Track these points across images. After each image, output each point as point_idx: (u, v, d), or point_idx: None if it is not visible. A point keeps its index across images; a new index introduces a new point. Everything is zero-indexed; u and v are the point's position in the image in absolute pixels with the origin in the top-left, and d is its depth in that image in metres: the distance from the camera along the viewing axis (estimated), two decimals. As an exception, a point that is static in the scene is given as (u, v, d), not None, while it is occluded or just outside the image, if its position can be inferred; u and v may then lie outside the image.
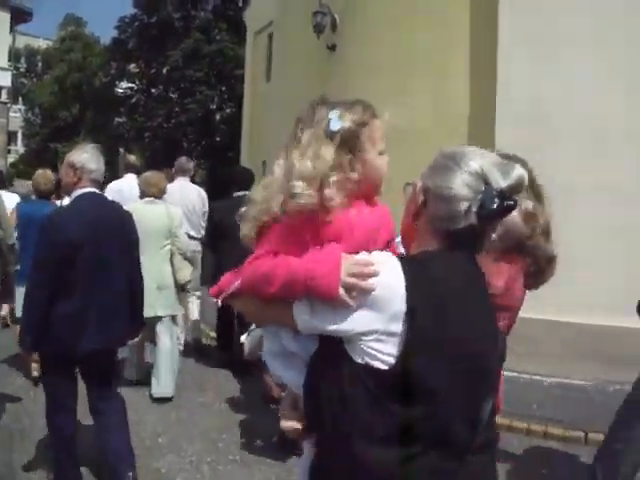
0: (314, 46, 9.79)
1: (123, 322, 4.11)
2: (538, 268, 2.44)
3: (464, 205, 1.59)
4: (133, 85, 35.27)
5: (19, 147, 49.22)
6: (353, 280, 1.54)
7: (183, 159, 8.70)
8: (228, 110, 29.77)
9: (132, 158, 9.27)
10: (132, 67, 34.89)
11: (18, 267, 5.83)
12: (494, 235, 1.95)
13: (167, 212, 6.35)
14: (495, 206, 1.56)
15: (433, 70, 7.56)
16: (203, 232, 8.04)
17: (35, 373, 6.14)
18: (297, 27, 10.98)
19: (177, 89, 32.69)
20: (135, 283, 4.23)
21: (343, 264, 1.57)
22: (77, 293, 3.80)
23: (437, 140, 6.77)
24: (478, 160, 1.62)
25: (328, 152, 1.74)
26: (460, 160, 1.63)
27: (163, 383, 6.24)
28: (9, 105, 29.54)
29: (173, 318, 6.50)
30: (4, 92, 29.02)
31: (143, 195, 6.42)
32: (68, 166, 4.02)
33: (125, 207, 4.66)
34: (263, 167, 19.97)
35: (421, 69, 7.67)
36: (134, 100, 35.05)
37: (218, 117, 30.63)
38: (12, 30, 28.71)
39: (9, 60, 29.16)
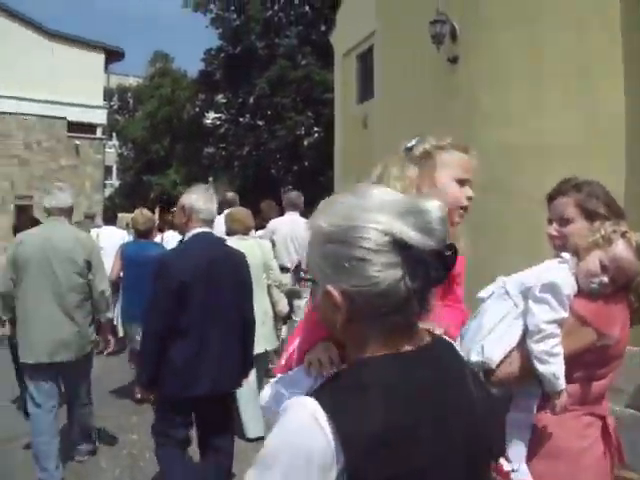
0: (430, 59, 9.03)
1: (237, 364, 4.07)
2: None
3: (394, 290, 1.23)
4: (221, 115, 35.47)
5: (114, 181, 50.59)
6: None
7: (294, 194, 8.29)
8: (316, 135, 29.30)
9: (230, 195, 8.77)
10: (219, 98, 35.19)
11: (111, 315, 5.59)
12: (605, 278, 2.06)
13: (259, 246, 6.28)
14: (440, 272, 1.24)
15: (576, 79, 6.64)
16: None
17: (138, 395, 6.05)
18: (407, 40, 10.24)
19: (265, 117, 32.66)
20: (248, 324, 4.19)
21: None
22: (192, 335, 3.81)
23: (588, 157, 5.93)
24: (382, 225, 1.23)
25: (410, 170, 1.91)
26: (358, 239, 1.24)
27: (254, 423, 6.01)
28: (104, 141, 30.02)
29: (268, 352, 6.37)
30: (99, 129, 29.56)
31: (230, 232, 6.22)
32: (179, 207, 4.12)
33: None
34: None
35: (561, 78, 6.74)
36: (222, 130, 35.31)
37: (306, 142, 30.26)
38: (106, 70, 29.21)
39: (104, 99, 29.68)
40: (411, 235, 1.21)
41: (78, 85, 26.47)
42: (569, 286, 2.31)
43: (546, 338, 2.25)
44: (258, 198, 11.65)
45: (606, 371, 2.37)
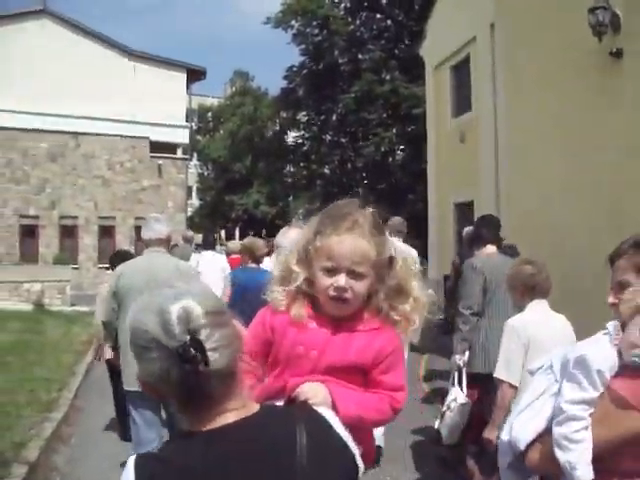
0: (581, 55, 7.89)
1: None
2: None
3: (167, 379, 1.37)
4: (303, 133, 34.91)
5: (194, 201, 50.78)
6: None
7: (398, 220, 7.86)
8: (404, 152, 28.25)
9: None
10: (302, 115, 34.66)
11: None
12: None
13: None
14: (184, 368, 1.34)
15: None
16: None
17: None
18: (543, 36, 9.12)
19: (349, 134, 31.89)
20: None
21: None
22: None
23: None
24: (146, 325, 1.40)
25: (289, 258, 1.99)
26: (135, 337, 1.45)
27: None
28: (187, 161, 29.88)
29: None
30: (180, 149, 29.47)
31: None
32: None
33: None
34: (455, 209, 18.38)
35: None
36: (305, 148, 34.69)
37: (395, 159, 29.25)
38: (188, 89, 29.11)
39: (186, 119, 29.58)
40: (158, 333, 1.36)
41: (160, 105, 26.44)
42: (605, 361, 2.06)
43: (568, 420, 2.07)
44: None
45: None
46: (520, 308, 3.98)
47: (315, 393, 1.77)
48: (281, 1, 31.61)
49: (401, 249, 6.05)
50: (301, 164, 35.94)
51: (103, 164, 26.25)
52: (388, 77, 28.69)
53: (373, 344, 1.93)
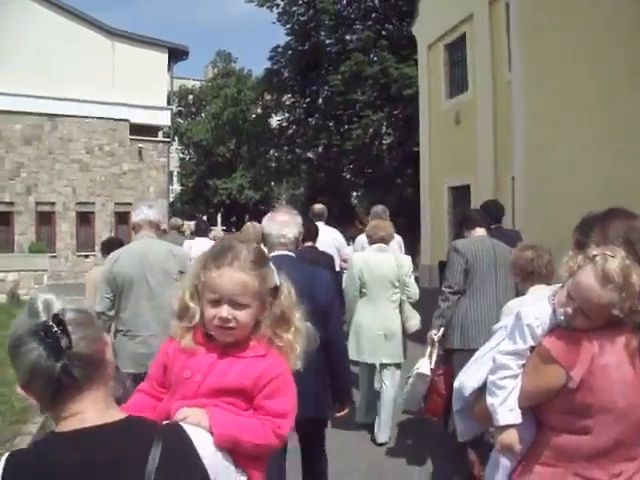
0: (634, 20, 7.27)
1: (313, 390, 3.72)
2: None
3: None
4: (289, 116, 34.18)
5: (175, 186, 49.83)
6: None
7: (379, 207, 8.52)
8: (394, 135, 27.57)
9: (318, 207, 8.59)
10: (287, 97, 33.94)
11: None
12: (569, 309, 2.11)
13: (396, 260, 6.33)
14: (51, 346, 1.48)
15: None
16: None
17: None
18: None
19: (336, 117, 31.22)
20: (329, 347, 3.82)
21: None
22: None
23: None
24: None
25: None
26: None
27: (382, 430, 6.26)
28: (169, 144, 29.02)
29: (397, 366, 6.38)
30: (162, 132, 28.62)
31: (371, 242, 6.50)
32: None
33: (354, 255, 6.68)
34: (450, 193, 17.86)
35: None
36: (290, 131, 33.95)
37: (382, 142, 28.58)
38: (169, 70, 28.20)
39: (168, 102, 28.71)
40: (25, 322, 1.51)
41: (141, 86, 25.54)
42: (537, 318, 2.23)
43: (497, 369, 2.27)
44: (328, 203, 11.24)
45: (591, 425, 2.13)
46: (522, 293, 4.02)
47: (192, 414, 1.84)
48: (266, -22, 30.83)
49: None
50: (285, 148, 35.28)
51: (81, 147, 25.23)
52: (377, 58, 28.00)
53: (255, 368, 2.00)
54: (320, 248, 6.80)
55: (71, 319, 1.50)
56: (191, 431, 1.68)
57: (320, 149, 33.48)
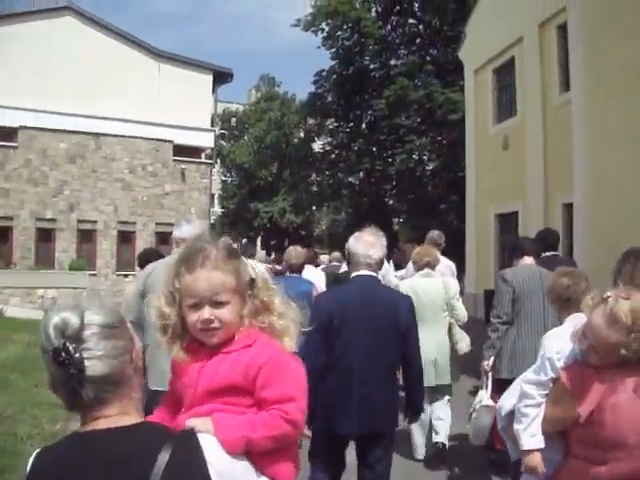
0: None
1: (387, 406, 4.06)
2: None
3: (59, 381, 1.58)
4: (332, 140, 34.12)
5: (216, 209, 50.03)
6: None
7: (435, 233, 8.33)
8: (437, 160, 27.21)
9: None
10: (330, 122, 33.91)
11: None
12: (582, 346, 2.25)
13: (443, 284, 6.49)
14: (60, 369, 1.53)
15: None
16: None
17: None
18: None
19: (378, 141, 31.02)
20: (408, 366, 4.19)
21: None
22: (336, 375, 3.96)
23: None
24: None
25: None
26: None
27: (422, 445, 6.40)
28: (212, 166, 29.08)
29: (445, 389, 6.47)
30: (204, 153, 28.71)
31: (418, 268, 6.63)
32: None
33: (401, 282, 6.76)
34: (497, 220, 17.45)
35: None
36: (333, 156, 33.85)
37: (427, 168, 28.25)
38: (214, 92, 28.34)
39: (211, 124, 28.83)
40: (42, 339, 1.56)
41: (185, 107, 25.66)
42: (557, 352, 2.39)
43: (522, 397, 2.47)
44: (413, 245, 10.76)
45: (607, 457, 2.24)
46: (561, 322, 3.91)
47: (198, 424, 1.82)
48: (311, 3, 30.99)
49: (442, 262, 7.29)
50: (327, 172, 35.17)
51: (124, 167, 25.41)
52: (422, 82, 27.81)
53: (241, 361, 1.98)
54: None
55: (91, 334, 1.54)
56: (206, 441, 1.70)
57: (362, 174, 33.32)
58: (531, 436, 2.40)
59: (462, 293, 18.78)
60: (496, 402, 5.01)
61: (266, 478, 1.90)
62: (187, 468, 1.58)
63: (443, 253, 7.79)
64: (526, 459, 2.44)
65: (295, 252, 7.28)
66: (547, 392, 2.41)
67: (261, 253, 12.81)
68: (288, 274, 7.36)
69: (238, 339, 2.03)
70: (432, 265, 6.57)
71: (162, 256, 6.09)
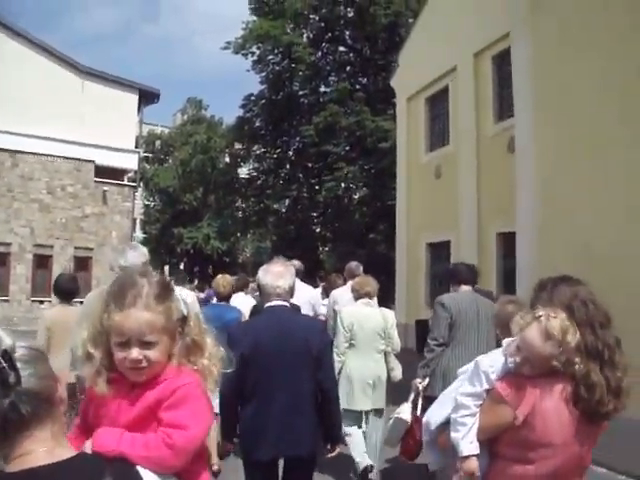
0: None
1: (307, 432, 4.13)
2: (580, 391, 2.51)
3: None
4: (258, 166, 33.86)
5: (138, 234, 48.81)
6: None
7: (353, 264, 8.78)
8: (367, 188, 27.25)
9: (295, 264, 8.51)
10: (257, 147, 33.67)
11: None
12: (517, 358, 2.54)
13: (382, 314, 6.79)
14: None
15: None
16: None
17: (215, 467, 6.27)
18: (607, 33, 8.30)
19: (307, 168, 30.95)
20: (323, 393, 4.20)
21: None
22: (254, 403, 4.08)
23: None
24: None
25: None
26: None
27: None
28: (135, 189, 28.26)
29: (381, 411, 6.73)
30: (127, 176, 27.91)
31: (357, 297, 6.86)
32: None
33: (342, 309, 6.86)
34: (428, 250, 17.43)
35: None
36: (259, 182, 33.58)
37: (353, 197, 28.26)
38: (140, 112, 27.70)
39: (136, 145, 28.10)
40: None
41: (109, 127, 24.94)
42: (490, 365, 2.64)
43: (459, 408, 2.69)
44: (297, 256, 11.44)
45: (534, 457, 2.55)
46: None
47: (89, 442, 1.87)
48: (242, 26, 30.84)
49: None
50: (252, 199, 34.83)
51: (42, 187, 24.33)
52: (352, 110, 27.90)
53: (156, 388, 2.00)
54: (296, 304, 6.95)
55: (21, 355, 1.52)
56: (141, 468, 1.76)
57: (289, 201, 33.12)
58: (470, 442, 2.61)
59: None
60: (417, 419, 5.33)
61: None
62: None
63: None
64: (464, 465, 2.62)
65: (223, 280, 7.49)
66: (481, 402, 2.63)
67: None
68: (215, 302, 7.60)
69: (165, 375, 2.04)
70: (371, 295, 6.84)
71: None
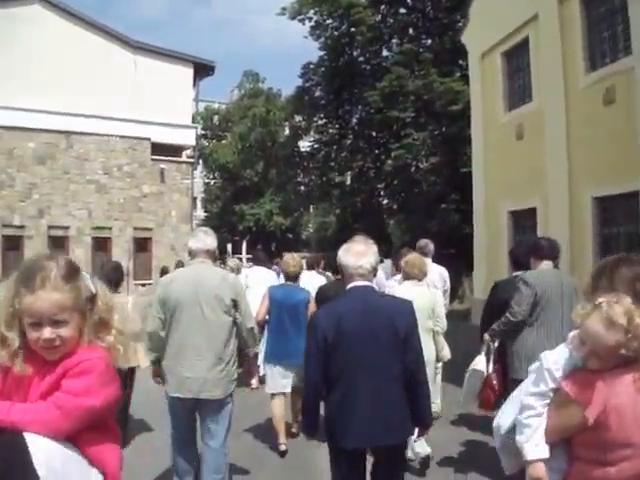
0: None
1: (397, 417, 4.05)
2: None
3: None
4: (320, 137, 32.73)
5: (199, 212, 48.49)
6: None
7: (423, 242, 8.79)
8: (437, 156, 25.80)
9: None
10: (318, 118, 32.53)
11: (259, 349, 6.25)
12: (582, 352, 2.40)
13: (430, 293, 6.89)
14: None
15: None
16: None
17: (282, 447, 6.80)
18: None
19: (371, 137, 29.68)
20: (411, 375, 4.09)
21: None
22: (340, 388, 4.01)
23: None
24: None
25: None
26: None
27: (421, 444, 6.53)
28: (194, 166, 27.54)
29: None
30: (186, 152, 27.20)
31: (407, 277, 6.86)
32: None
33: (399, 289, 6.61)
34: (510, 218, 16.09)
35: None
36: (322, 154, 32.47)
37: (425, 165, 26.86)
38: (195, 85, 26.88)
39: (192, 121, 27.37)
40: None
41: (164, 103, 24.22)
42: (555, 362, 2.52)
43: (523, 409, 2.57)
44: (363, 230, 10.86)
45: (614, 458, 2.36)
46: None
47: None
48: (296, -10, 29.64)
49: (429, 268, 7.75)
50: (315, 172, 33.80)
51: (98, 167, 23.87)
52: (418, 73, 26.43)
53: (64, 362, 2.12)
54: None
55: None
56: (30, 439, 1.89)
57: (352, 173, 31.99)
58: (535, 446, 2.48)
59: (468, 300, 17.54)
60: (495, 372, 5.65)
61: (96, 470, 2.10)
62: (14, 472, 1.76)
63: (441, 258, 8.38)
64: (530, 469, 2.49)
65: (292, 259, 7.50)
66: (548, 402, 2.50)
67: (235, 259, 12.84)
68: (284, 282, 7.66)
69: (78, 354, 2.15)
70: (419, 277, 6.86)
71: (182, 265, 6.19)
